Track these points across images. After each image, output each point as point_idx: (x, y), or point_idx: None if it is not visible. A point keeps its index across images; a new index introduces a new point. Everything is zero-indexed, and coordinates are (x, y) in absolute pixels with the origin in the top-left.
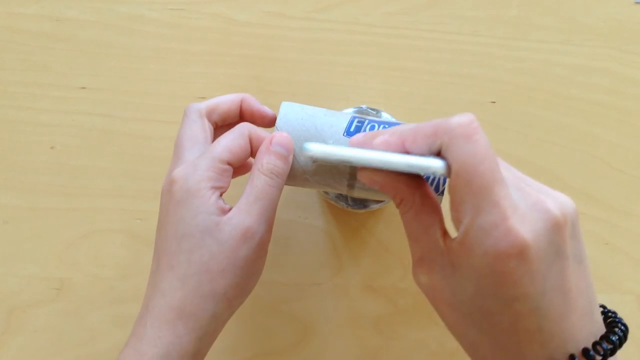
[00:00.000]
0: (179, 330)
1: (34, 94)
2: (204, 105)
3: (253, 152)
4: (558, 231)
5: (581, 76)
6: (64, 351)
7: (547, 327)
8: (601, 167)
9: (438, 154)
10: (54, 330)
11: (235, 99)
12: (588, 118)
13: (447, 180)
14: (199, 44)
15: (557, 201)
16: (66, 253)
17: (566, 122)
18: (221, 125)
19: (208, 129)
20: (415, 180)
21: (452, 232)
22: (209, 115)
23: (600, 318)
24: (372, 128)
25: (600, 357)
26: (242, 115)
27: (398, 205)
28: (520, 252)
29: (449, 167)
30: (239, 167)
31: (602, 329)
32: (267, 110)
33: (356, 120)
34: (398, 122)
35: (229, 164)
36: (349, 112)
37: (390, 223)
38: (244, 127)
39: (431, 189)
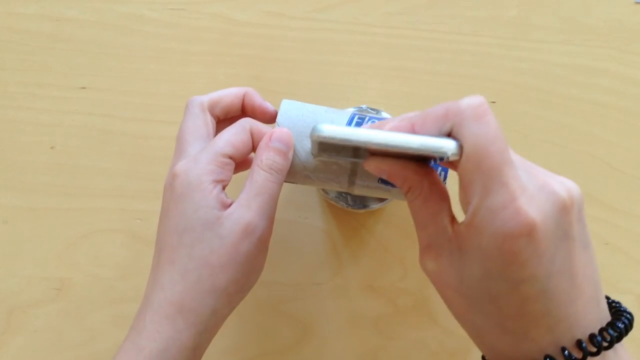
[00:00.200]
0: (178, 325)
1: (34, 94)
2: (207, 98)
3: (255, 147)
4: (565, 213)
5: (581, 76)
6: (64, 351)
7: (554, 311)
8: (601, 167)
9: (448, 137)
10: (54, 330)
11: (238, 92)
12: (588, 118)
13: (449, 171)
14: (199, 44)
15: (564, 184)
16: (66, 253)
17: (566, 122)
18: (223, 119)
19: (210, 123)
20: (423, 167)
21: (460, 218)
22: (211, 108)
23: (605, 306)
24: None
25: (607, 344)
26: (243, 110)
27: (406, 193)
28: (528, 233)
29: (460, 148)
30: (241, 162)
31: (607, 317)
32: (269, 106)
33: (357, 117)
34: None
35: (230, 158)
36: (350, 110)
37: (390, 223)
38: (246, 122)
39: (438, 177)
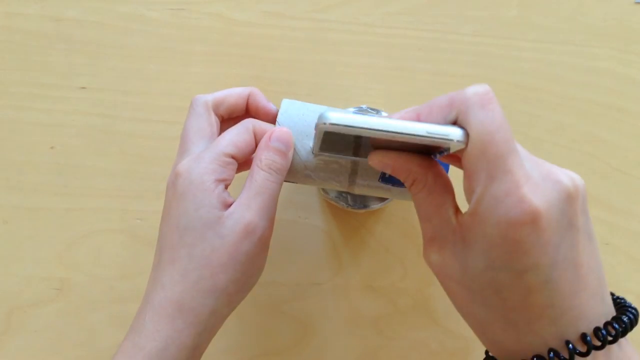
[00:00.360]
0: (178, 325)
1: (34, 94)
2: (211, 97)
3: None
4: (570, 202)
5: (581, 76)
6: (64, 351)
7: (558, 302)
8: (601, 167)
9: (454, 125)
10: (54, 330)
11: (243, 92)
12: (588, 118)
13: (449, 167)
14: (199, 44)
15: (569, 175)
16: (66, 253)
17: (566, 122)
18: (227, 119)
19: (215, 122)
20: (427, 160)
21: (464, 209)
22: (215, 108)
23: (610, 300)
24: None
25: (612, 338)
26: (247, 110)
27: (410, 186)
28: (532, 221)
29: (467, 135)
30: (244, 162)
31: (612, 311)
32: (273, 107)
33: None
34: None
35: (233, 157)
36: (350, 110)
37: (390, 223)
38: (249, 122)
39: (443, 169)
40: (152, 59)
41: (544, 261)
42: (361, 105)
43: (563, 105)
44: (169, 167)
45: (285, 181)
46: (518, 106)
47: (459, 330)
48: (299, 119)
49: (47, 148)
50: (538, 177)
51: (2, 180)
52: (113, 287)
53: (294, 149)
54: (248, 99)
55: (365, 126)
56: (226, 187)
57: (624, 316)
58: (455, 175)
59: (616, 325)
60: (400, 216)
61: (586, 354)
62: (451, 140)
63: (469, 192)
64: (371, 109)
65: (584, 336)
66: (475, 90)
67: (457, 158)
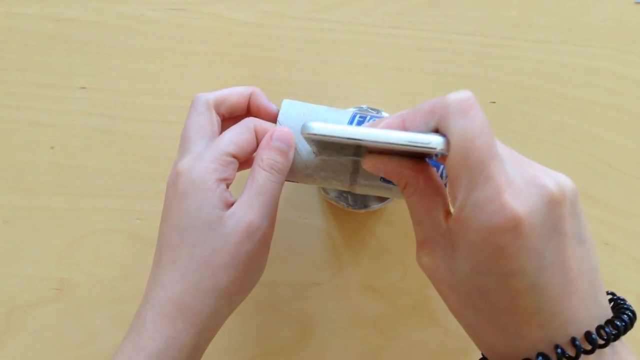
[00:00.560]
0: (178, 325)
1: (34, 94)
2: (212, 96)
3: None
4: (555, 207)
5: (581, 76)
6: (64, 351)
7: (546, 306)
8: (601, 167)
9: (437, 132)
10: (54, 330)
11: (244, 92)
12: (588, 118)
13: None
14: (199, 44)
15: (555, 179)
16: (66, 253)
17: (566, 122)
18: (228, 118)
19: (216, 121)
20: (418, 164)
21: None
22: (217, 106)
23: (606, 303)
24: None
25: (603, 342)
26: (248, 110)
27: (403, 190)
28: (514, 227)
29: (447, 143)
30: (245, 161)
31: (608, 314)
32: (274, 108)
33: (358, 116)
34: None
35: (234, 157)
36: (351, 110)
37: (390, 223)
38: (250, 121)
39: (435, 172)
40: (152, 59)
41: (528, 266)
42: (361, 105)
43: (563, 105)
44: (169, 167)
45: (286, 181)
46: (518, 106)
47: (459, 330)
48: (300, 119)
49: (47, 148)
50: (521, 183)
51: (2, 180)
52: (113, 287)
53: (295, 148)
54: (249, 99)
55: (347, 135)
56: (227, 186)
57: (617, 320)
58: None
59: (608, 329)
60: (401, 216)
61: (575, 359)
62: (433, 148)
63: (452, 198)
64: (371, 108)
65: (573, 340)
66: (456, 96)
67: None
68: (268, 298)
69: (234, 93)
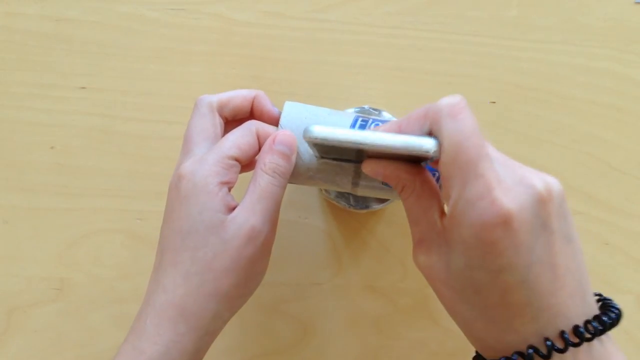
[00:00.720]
0: (180, 329)
1: (34, 94)
2: (216, 98)
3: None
4: (543, 205)
5: (581, 76)
6: (64, 351)
7: (536, 301)
8: (601, 167)
9: (430, 135)
10: (54, 330)
11: (248, 95)
12: (588, 118)
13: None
14: (199, 44)
15: (543, 180)
16: (66, 253)
17: (566, 122)
18: (231, 120)
19: (219, 123)
20: (415, 168)
21: None
22: (220, 109)
23: (593, 301)
24: (376, 127)
25: (590, 336)
26: (251, 113)
27: (400, 192)
28: (504, 222)
29: (439, 145)
30: (247, 163)
31: (594, 311)
32: (277, 112)
33: (360, 119)
34: None
35: (236, 160)
36: (351, 112)
37: (390, 223)
38: (252, 124)
39: (430, 176)
40: (152, 59)
41: (518, 262)
42: (363, 106)
43: (563, 105)
44: (169, 167)
45: (288, 183)
46: (518, 106)
47: (459, 330)
48: (301, 122)
49: (47, 148)
50: (511, 181)
51: (2, 180)
52: (113, 287)
53: (297, 151)
54: (253, 102)
55: (347, 139)
56: (229, 189)
57: (604, 316)
58: None
59: (595, 324)
60: (401, 216)
61: (564, 351)
62: (426, 151)
63: (446, 197)
64: (373, 109)
65: (562, 333)
66: (448, 101)
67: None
68: (268, 298)
69: (238, 96)
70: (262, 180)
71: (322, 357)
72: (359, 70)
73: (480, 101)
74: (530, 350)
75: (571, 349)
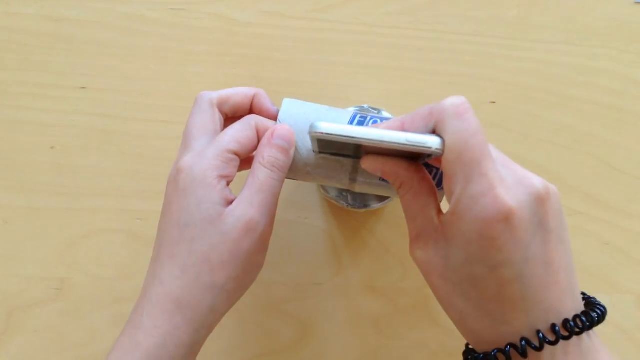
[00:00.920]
0: (176, 321)
1: (34, 94)
2: (216, 95)
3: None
4: (541, 204)
5: (581, 76)
6: (64, 351)
7: (530, 295)
8: (601, 167)
9: (434, 134)
10: (54, 330)
11: (248, 93)
12: (588, 118)
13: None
14: (199, 44)
15: (542, 181)
16: (66, 253)
17: (566, 122)
18: (231, 117)
19: (218, 119)
20: (413, 165)
21: (445, 210)
22: (220, 105)
23: (580, 298)
24: (375, 124)
25: (579, 330)
26: (251, 111)
27: (398, 189)
28: (505, 218)
29: (443, 143)
30: (246, 160)
31: (582, 308)
32: (276, 110)
33: (358, 116)
34: None
35: (236, 154)
36: (351, 110)
37: (390, 223)
38: (252, 119)
39: (427, 174)
40: (152, 59)
41: (515, 257)
42: (363, 105)
43: (563, 105)
44: (169, 167)
45: (286, 178)
46: (518, 106)
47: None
48: (300, 118)
49: (47, 148)
50: (511, 180)
51: (2, 180)
52: (113, 287)
53: (296, 146)
54: (253, 100)
55: (355, 135)
56: (228, 183)
57: (592, 312)
58: None
59: (583, 319)
60: (401, 216)
61: (555, 343)
62: (429, 147)
63: (448, 194)
64: (372, 108)
65: (553, 327)
66: (452, 101)
67: (440, 160)
68: (268, 298)
69: (238, 93)
70: (261, 173)
71: (322, 357)
72: (359, 70)
73: (480, 101)
74: (523, 342)
75: (562, 342)
